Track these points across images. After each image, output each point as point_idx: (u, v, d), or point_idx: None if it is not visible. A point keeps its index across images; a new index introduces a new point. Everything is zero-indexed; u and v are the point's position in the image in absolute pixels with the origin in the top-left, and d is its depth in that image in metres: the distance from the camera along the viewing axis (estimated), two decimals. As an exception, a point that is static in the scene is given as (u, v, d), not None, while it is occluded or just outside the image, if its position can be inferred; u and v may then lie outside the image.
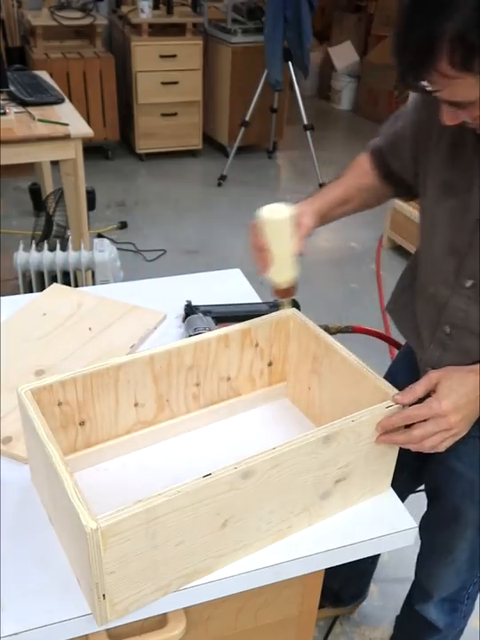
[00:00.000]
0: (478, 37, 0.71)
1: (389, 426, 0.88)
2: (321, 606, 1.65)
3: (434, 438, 0.88)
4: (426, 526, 1.26)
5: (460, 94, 0.80)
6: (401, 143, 1.12)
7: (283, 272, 1.03)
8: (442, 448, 0.90)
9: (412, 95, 1.11)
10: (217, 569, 0.86)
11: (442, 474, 1.19)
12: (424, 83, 0.79)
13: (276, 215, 0.99)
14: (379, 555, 1.64)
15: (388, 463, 0.95)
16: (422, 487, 1.31)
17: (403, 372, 1.24)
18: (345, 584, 1.68)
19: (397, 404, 0.88)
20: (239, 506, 0.81)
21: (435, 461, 1.20)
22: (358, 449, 0.89)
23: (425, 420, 0.88)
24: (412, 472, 1.32)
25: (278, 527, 0.88)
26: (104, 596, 0.76)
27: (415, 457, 1.20)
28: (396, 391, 0.90)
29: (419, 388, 0.90)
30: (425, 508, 1.29)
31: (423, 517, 1.28)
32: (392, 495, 0.98)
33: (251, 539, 0.86)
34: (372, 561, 1.63)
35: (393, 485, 0.99)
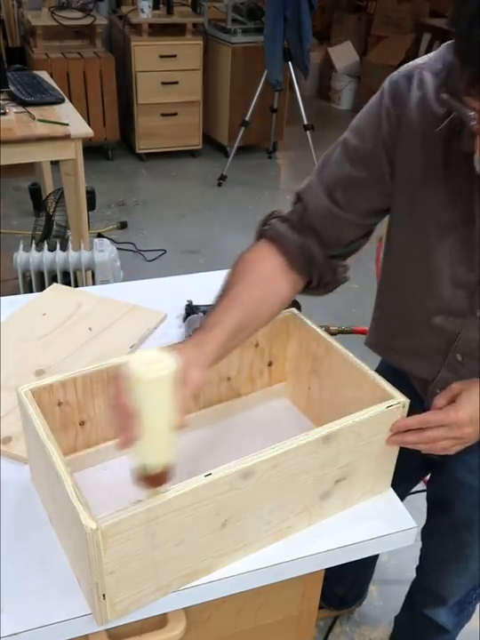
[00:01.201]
0: None
1: (404, 427, 0.89)
2: (321, 607, 1.67)
3: (444, 442, 0.91)
4: (431, 534, 1.27)
5: None
6: (355, 198, 0.98)
7: (155, 451, 0.74)
8: (452, 451, 0.93)
9: (341, 153, 0.99)
10: (217, 569, 0.86)
11: (451, 486, 1.18)
12: None
13: (153, 372, 0.69)
14: (377, 554, 1.65)
15: (388, 463, 0.95)
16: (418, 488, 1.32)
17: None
18: (349, 590, 1.69)
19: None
20: (239, 506, 0.81)
21: (443, 474, 1.19)
22: (358, 449, 0.89)
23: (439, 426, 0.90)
24: (410, 484, 1.33)
25: (278, 527, 0.89)
26: (104, 596, 0.76)
27: (413, 470, 1.22)
28: (395, 390, 0.91)
29: (440, 402, 0.93)
30: (423, 510, 1.29)
31: (426, 526, 1.28)
32: (392, 495, 0.99)
33: (251, 539, 0.87)
34: (372, 561, 1.63)
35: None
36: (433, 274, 0.98)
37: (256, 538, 0.87)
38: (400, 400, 0.89)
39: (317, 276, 1.01)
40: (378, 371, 1.28)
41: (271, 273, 0.97)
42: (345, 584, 1.64)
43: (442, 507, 1.23)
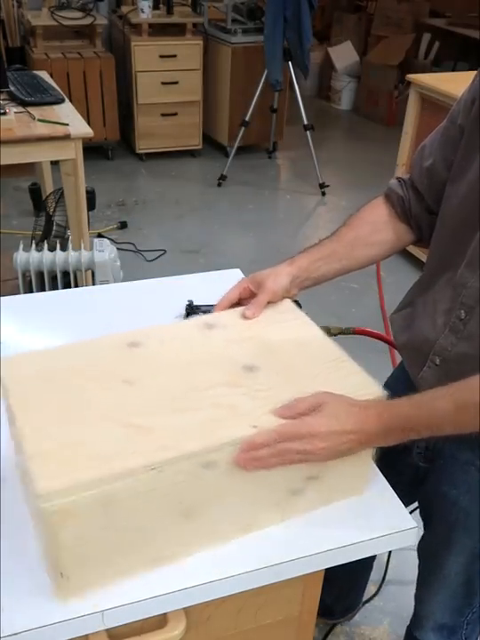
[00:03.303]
0: None
1: (256, 446, 0.80)
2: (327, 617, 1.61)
3: (292, 456, 0.82)
4: (422, 549, 1.23)
5: None
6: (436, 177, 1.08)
7: None
8: (287, 464, 0.84)
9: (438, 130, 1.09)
10: (183, 558, 0.86)
11: (435, 499, 1.15)
12: None
13: None
14: (371, 566, 1.63)
15: (363, 465, 0.94)
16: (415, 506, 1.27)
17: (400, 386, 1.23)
18: (337, 599, 1.66)
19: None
20: (201, 496, 0.81)
21: (429, 486, 1.16)
22: None
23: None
24: (410, 497, 1.30)
25: (246, 520, 0.89)
26: (62, 573, 0.77)
27: (409, 482, 1.18)
28: (372, 384, 0.90)
29: (302, 405, 0.83)
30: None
31: (420, 541, 1.23)
32: (392, 495, 0.98)
33: (217, 530, 0.87)
34: (365, 570, 1.61)
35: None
36: (469, 226, 0.97)
37: (222, 529, 0.87)
38: (374, 396, 0.88)
39: (417, 228, 1.13)
40: (392, 376, 1.28)
41: (376, 220, 1.12)
42: (333, 592, 1.53)
43: (429, 520, 1.19)
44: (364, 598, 1.78)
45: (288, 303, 1.08)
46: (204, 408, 0.84)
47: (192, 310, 1.29)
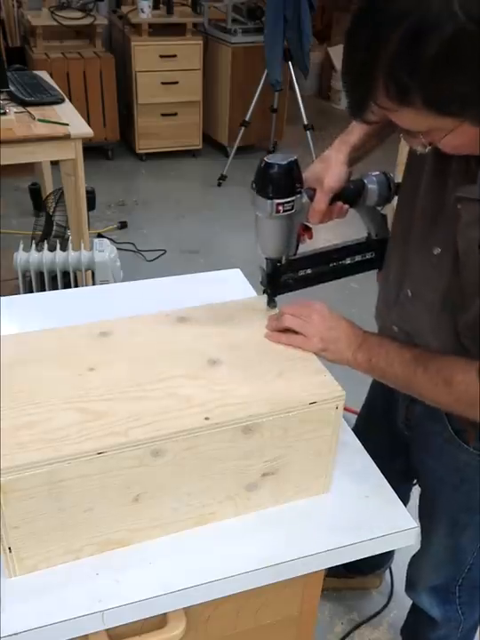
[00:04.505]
0: (408, 74, 0.69)
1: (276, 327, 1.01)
2: (339, 575, 1.70)
3: (293, 338, 1.00)
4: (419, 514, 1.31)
5: (408, 124, 0.79)
6: None
7: None
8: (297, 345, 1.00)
9: None
10: (132, 543, 0.87)
11: (418, 467, 1.24)
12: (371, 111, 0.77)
13: None
14: None
15: (323, 464, 0.95)
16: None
17: (380, 399, 1.32)
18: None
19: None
20: (152, 483, 0.83)
21: (412, 455, 1.24)
22: (287, 444, 0.89)
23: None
24: (405, 484, 1.34)
25: (199, 511, 0.89)
26: (10, 549, 0.79)
27: (403, 471, 1.27)
28: (333, 385, 0.92)
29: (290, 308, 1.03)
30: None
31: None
32: (392, 495, 0.99)
33: (168, 518, 0.88)
34: None
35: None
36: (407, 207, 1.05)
37: (174, 518, 0.88)
38: (331, 397, 0.89)
39: None
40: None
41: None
42: None
43: (420, 486, 1.28)
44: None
45: (262, 302, 1.10)
46: (159, 397, 0.86)
47: None
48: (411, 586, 1.39)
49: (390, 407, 1.24)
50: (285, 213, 0.96)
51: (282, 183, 0.94)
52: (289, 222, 0.99)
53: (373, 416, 1.37)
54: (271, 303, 1.09)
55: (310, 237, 1.06)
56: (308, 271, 1.10)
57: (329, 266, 1.13)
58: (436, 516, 1.22)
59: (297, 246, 1.05)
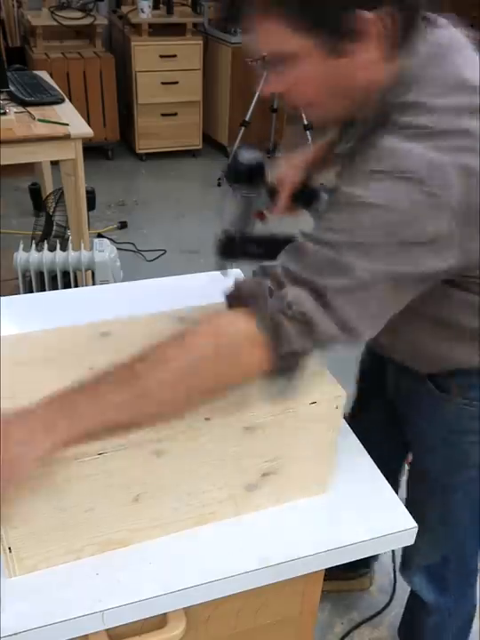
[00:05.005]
0: None
1: None
2: (335, 578, 1.67)
3: None
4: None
5: (274, 42, 0.80)
6: None
7: None
8: None
9: None
10: (133, 543, 0.87)
11: (411, 431, 1.23)
12: (243, 31, 0.80)
13: None
14: None
15: (323, 464, 0.95)
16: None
17: (369, 373, 1.33)
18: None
19: None
20: (152, 483, 0.83)
21: (406, 421, 1.23)
22: (287, 444, 0.89)
23: None
24: (397, 465, 1.35)
25: (199, 511, 0.90)
26: (10, 549, 0.79)
27: (393, 454, 1.28)
28: (334, 386, 0.91)
29: None
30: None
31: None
32: (392, 495, 0.99)
33: (168, 518, 0.88)
34: None
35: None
36: None
37: (174, 518, 0.88)
38: (332, 396, 0.88)
39: None
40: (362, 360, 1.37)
41: None
42: None
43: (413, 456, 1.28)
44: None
45: None
46: None
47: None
48: (405, 565, 1.37)
49: (381, 379, 1.24)
50: (244, 197, 1.17)
51: (245, 176, 1.14)
52: (247, 205, 1.17)
53: (366, 393, 1.37)
54: (222, 270, 1.20)
55: (262, 220, 1.19)
56: (256, 248, 1.23)
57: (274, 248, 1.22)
58: (430, 486, 1.21)
59: (252, 226, 1.22)
